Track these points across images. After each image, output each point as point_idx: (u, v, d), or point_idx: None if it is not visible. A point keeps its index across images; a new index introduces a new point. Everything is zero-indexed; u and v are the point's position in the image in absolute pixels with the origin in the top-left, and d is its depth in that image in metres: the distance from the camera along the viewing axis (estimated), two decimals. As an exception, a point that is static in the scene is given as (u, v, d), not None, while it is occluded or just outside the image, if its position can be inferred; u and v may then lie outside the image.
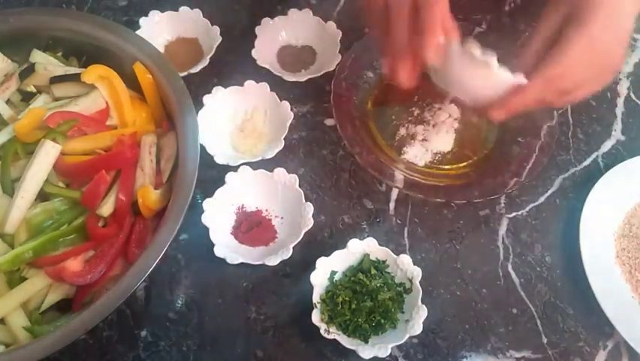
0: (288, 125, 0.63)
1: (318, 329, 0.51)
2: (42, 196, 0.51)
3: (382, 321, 0.52)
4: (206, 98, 0.63)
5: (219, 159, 0.60)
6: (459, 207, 0.62)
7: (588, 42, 0.46)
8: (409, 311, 0.53)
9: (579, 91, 0.50)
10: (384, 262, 0.56)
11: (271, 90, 0.65)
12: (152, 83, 0.57)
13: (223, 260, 0.54)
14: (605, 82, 0.51)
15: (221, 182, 0.58)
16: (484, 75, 0.49)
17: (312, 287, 0.53)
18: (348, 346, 0.51)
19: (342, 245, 0.55)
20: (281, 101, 0.64)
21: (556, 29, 0.49)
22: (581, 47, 0.46)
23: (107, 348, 0.53)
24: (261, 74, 0.67)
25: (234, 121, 0.66)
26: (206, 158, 0.59)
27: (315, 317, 0.52)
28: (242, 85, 0.65)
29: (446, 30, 0.46)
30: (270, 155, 0.61)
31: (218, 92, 0.64)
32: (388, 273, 0.55)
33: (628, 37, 0.48)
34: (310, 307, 0.52)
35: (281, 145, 0.61)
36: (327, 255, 0.55)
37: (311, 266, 0.54)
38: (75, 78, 0.56)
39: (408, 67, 0.49)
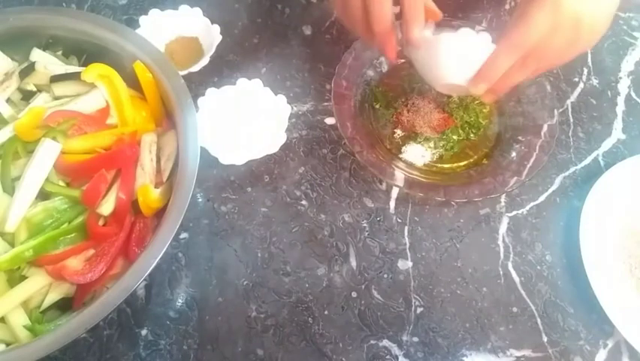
0: (287, 118, 0.63)
1: (317, 327, 0.51)
2: (42, 195, 0.51)
3: None
4: (206, 97, 0.63)
5: (222, 159, 0.60)
6: (459, 206, 0.62)
7: (551, 5, 0.46)
8: None
9: (552, 56, 0.50)
10: None
11: (271, 90, 0.65)
12: (152, 81, 0.57)
13: (223, 259, 0.54)
14: (583, 48, 0.50)
15: (223, 182, 0.58)
16: (456, 49, 0.52)
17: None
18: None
19: (342, 244, 0.55)
20: (276, 95, 0.64)
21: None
22: (543, 10, 0.46)
23: (107, 347, 0.53)
24: (261, 73, 0.67)
25: (234, 120, 0.66)
26: (207, 158, 0.59)
27: None
28: (242, 83, 0.65)
29: (427, 14, 0.50)
30: (273, 150, 0.61)
31: (219, 90, 0.64)
32: None
33: (611, 5, 0.47)
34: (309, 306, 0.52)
35: (283, 138, 0.61)
36: (327, 254, 0.54)
37: (310, 265, 0.53)
38: (75, 77, 0.56)
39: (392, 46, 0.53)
